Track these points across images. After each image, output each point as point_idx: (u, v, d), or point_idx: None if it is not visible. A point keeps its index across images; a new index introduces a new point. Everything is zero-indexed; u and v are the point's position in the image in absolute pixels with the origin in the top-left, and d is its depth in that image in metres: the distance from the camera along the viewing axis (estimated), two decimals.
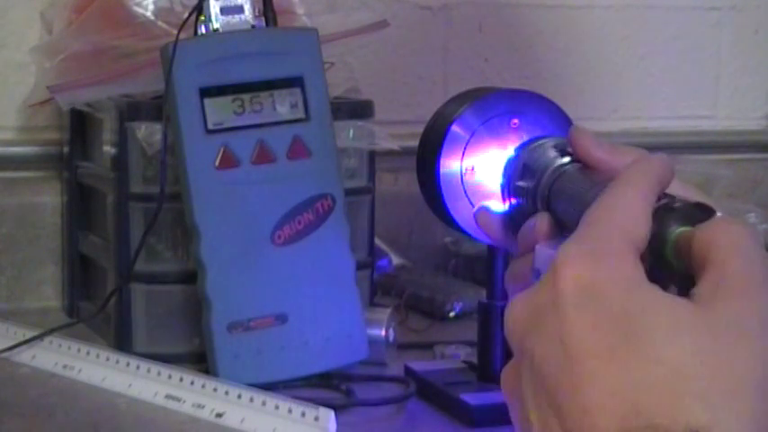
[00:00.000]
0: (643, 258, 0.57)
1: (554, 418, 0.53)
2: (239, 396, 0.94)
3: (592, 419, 0.52)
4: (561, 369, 0.53)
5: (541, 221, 0.70)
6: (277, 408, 0.91)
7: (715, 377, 0.51)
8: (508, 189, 0.78)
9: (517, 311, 0.57)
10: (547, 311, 0.55)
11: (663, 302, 0.53)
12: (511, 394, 0.57)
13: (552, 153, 0.74)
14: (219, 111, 1.04)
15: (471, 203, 0.81)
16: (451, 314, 1.25)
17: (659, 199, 0.58)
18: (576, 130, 0.71)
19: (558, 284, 0.55)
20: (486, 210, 0.79)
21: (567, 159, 0.72)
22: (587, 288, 0.54)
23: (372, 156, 1.18)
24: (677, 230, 0.57)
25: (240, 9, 1.06)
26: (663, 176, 0.59)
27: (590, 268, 0.55)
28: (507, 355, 0.59)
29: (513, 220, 0.77)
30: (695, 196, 0.61)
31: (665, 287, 0.55)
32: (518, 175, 0.76)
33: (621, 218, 0.57)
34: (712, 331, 0.52)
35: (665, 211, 0.57)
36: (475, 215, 0.80)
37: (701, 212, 0.57)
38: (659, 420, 0.50)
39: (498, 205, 0.79)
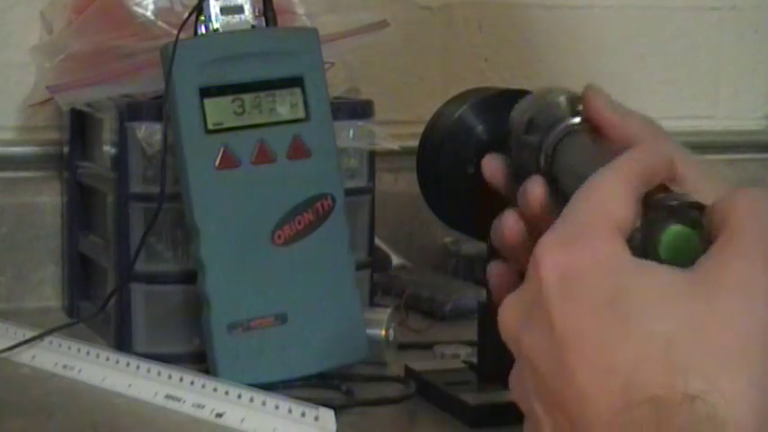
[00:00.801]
0: (635, 253, 0.56)
1: (560, 413, 0.53)
2: (239, 396, 0.94)
3: (592, 404, 0.51)
4: (555, 359, 0.53)
5: (533, 185, 0.67)
6: (277, 408, 0.91)
7: (712, 343, 0.50)
8: (513, 142, 0.75)
9: (508, 312, 0.56)
10: (534, 305, 0.54)
11: (653, 274, 0.53)
12: (520, 400, 0.56)
13: (560, 111, 0.71)
14: (219, 111, 1.04)
15: (471, 203, 0.81)
16: (452, 314, 1.25)
17: (657, 192, 0.58)
18: (591, 89, 0.67)
19: (540, 275, 0.54)
20: (493, 158, 0.75)
21: (577, 120, 0.70)
22: (569, 273, 0.53)
23: (372, 156, 1.18)
24: (670, 228, 0.56)
25: (240, 9, 1.06)
26: (654, 165, 0.58)
27: (570, 253, 0.54)
28: (508, 355, 0.58)
29: (516, 175, 0.75)
30: (719, 184, 0.60)
31: None
32: (523, 129, 0.74)
33: (600, 200, 0.56)
34: (710, 296, 0.51)
35: (658, 208, 0.57)
36: (482, 164, 0.77)
37: (695, 211, 0.56)
38: (657, 391, 0.50)
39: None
